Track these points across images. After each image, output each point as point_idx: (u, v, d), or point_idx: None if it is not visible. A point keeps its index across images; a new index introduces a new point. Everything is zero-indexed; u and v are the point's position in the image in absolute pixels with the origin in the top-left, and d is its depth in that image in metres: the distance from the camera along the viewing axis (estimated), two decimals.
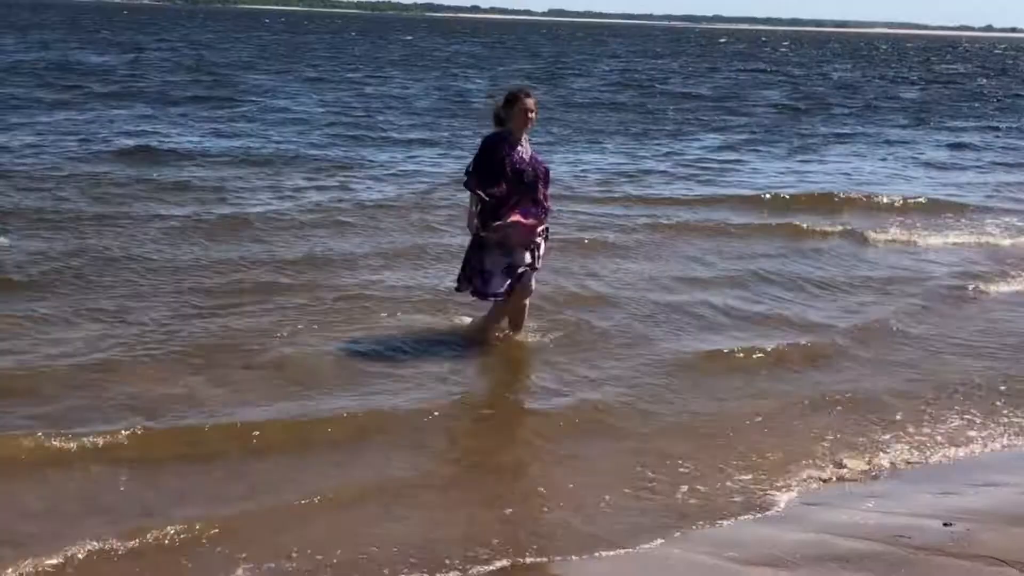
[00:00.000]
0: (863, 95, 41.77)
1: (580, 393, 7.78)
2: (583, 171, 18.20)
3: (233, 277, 10.27)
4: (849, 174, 19.82)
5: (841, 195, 16.87)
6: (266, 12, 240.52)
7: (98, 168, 15.85)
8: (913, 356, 9.10)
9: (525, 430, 7.36)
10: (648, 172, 18.70)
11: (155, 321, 8.71)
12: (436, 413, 7.24)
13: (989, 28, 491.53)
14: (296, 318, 9.11)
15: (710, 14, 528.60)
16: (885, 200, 16.57)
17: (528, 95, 8.47)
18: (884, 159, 22.31)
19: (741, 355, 8.77)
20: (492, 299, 8.62)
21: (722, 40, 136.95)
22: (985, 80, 57.14)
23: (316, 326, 8.87)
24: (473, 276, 8.57)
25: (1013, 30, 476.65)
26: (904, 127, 29.34)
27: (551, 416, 7.39)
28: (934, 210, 16.22)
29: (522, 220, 8.40)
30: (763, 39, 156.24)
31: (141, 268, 10.34)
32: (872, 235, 14.04)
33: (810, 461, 6.82)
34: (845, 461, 6.83)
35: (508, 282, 8.49)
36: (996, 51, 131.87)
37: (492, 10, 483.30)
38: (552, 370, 8.25)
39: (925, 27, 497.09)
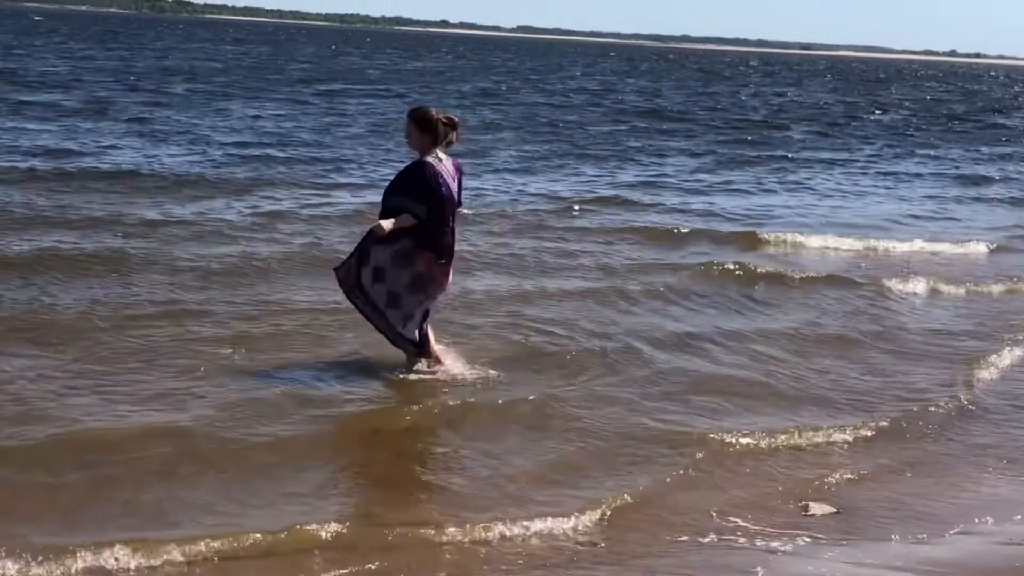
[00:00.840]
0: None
1: None
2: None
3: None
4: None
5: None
6: (232, 23, 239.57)
7: None
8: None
9: None
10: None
11: None
12: None
13: (953, 53, 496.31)
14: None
15: (678, 34, 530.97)
16: None
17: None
18: None
19: None
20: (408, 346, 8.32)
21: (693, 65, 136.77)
22: None
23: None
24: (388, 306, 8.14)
25: (977, 55, 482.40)
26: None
27: None
28: None
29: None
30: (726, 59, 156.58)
31: None
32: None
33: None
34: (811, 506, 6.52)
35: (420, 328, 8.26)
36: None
37: (461, 25, 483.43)
38: None
39: (891, 51, 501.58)
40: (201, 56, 61.33)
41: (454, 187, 8.14)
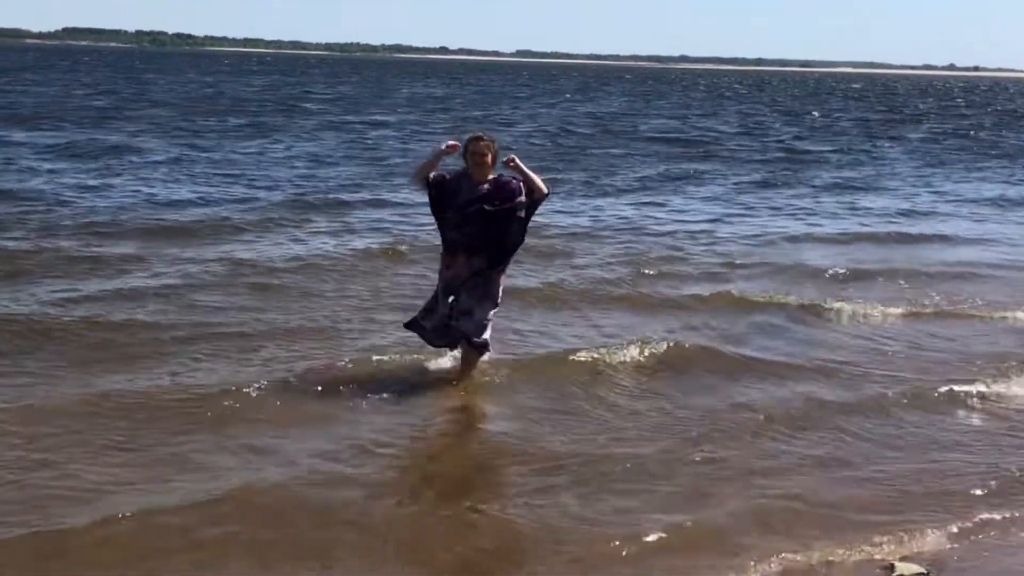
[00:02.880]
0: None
1: None
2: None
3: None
4: None
5: None
6: (231, 54, 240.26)
7: None
8: None
9: None
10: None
11: None
12: None
13: (952, 67, 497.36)
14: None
15: (676, 54, 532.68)
16: None
17: (478, 139, 8.68)
18: None
19: None
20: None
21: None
22: None
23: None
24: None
25: (976, 68, 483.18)
26: None
27: None
28: None
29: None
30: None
31: None
32: None
33: None
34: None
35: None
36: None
37: (461, 51, 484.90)
38: None
39: (889, 66, 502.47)
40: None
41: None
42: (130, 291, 11.38)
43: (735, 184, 24.51)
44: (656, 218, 18.71)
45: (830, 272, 14.32)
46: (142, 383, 8.34)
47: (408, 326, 9.00)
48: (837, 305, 12.34)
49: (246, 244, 14.59)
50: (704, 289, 12.97)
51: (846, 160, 31.58)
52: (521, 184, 8.56)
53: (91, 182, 19.78)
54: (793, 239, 17.16)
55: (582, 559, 5.85)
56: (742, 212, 20.02)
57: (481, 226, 8.45)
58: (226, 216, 16.54)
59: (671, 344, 10.16)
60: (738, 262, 14.90)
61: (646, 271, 13.88)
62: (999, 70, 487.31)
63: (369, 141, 32.04)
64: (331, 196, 19.41)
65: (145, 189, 19.32)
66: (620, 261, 14.48)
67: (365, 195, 19.87)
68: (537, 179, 8.57)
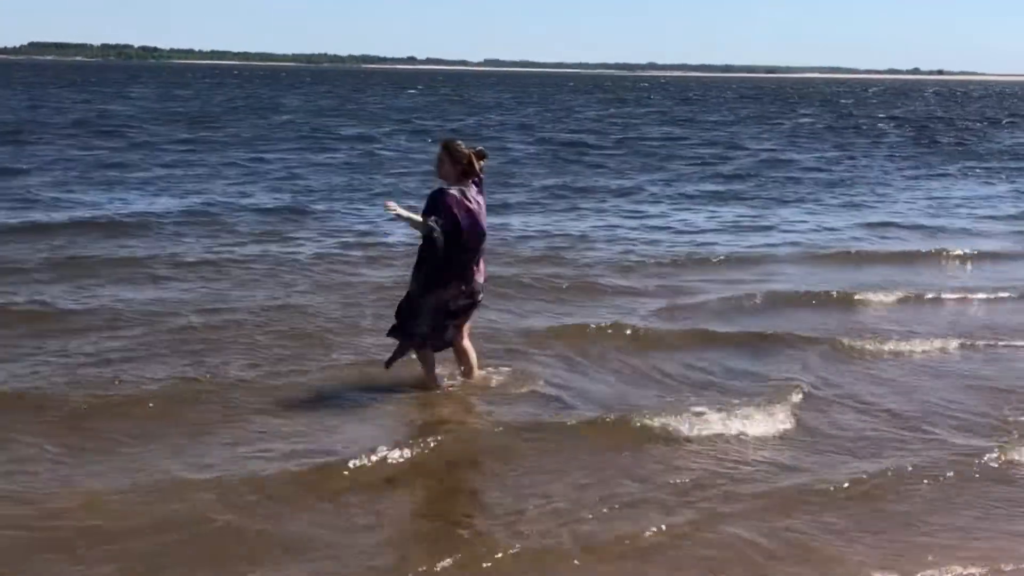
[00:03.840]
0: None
1: None
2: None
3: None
4: None
5: None
6: (197, 67, 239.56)
7: None
8: None
9: None
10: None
11: None
12: None
13: (916, 71, 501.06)
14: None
15: (644, 62, 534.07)
16: None
17: (445, 147, 8.40)
18: None
19: None
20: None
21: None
22: None
23: None
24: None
25: (940, 72, 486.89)
26: None
27: None
28: None
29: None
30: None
31: None
32: None
33: None
34: None
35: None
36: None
37: (429, 60, 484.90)
38: None
39: (855, 71, 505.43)
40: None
41: (482, 218, 8.32)
42: None
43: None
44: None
45: None
46: None
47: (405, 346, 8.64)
48: None
49: None
50: None
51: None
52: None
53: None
54: None
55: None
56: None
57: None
58: None
59: None
60: None
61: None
62: (963, 73, 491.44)
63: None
64: None
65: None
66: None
67: None
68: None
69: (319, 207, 18.69)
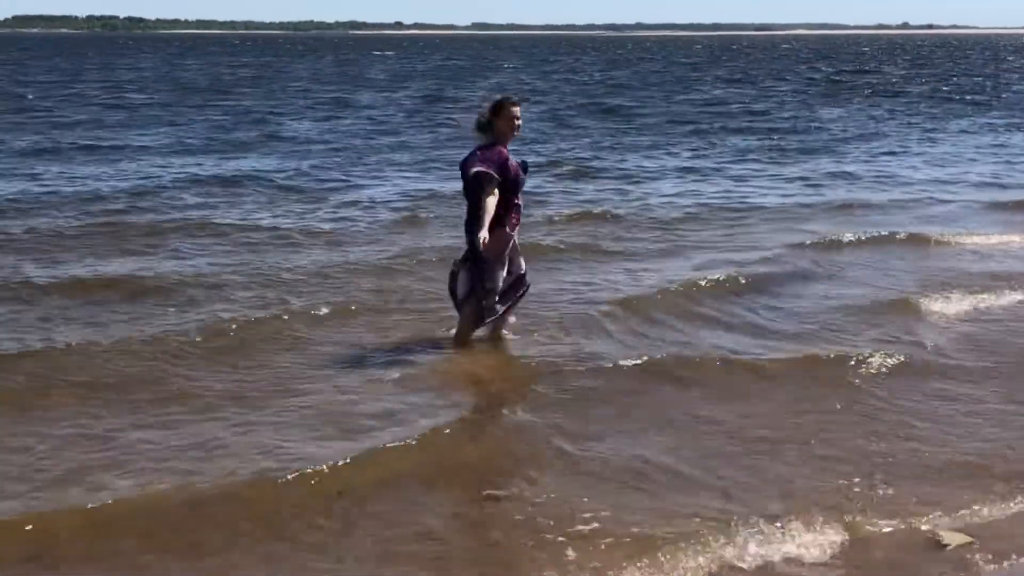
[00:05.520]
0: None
1: None
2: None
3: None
4: None
5: None
6: (181, 36, 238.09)
7: None
8: None
9: None
10: None
11: None
12: None
13: (906, 25, 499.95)
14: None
15: (632, 22, 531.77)
16: None
17: (515, 103, 8.13)
18: None
19: None
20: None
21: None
22: None
23: None
24: (487, 296, 8.21)
25: (930, 27, 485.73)
26: None
27: None
28: None
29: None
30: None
31: None
32: None
33: None
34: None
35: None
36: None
37: (416, 25, 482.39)
38: None
39: (844, 27, 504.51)
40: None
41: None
42: None
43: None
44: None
45: None
46: None
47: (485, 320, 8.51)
48: None
49: None
50: None
51: None
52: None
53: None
54: None
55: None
56: None
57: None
58: None
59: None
60: None
61: None
62: (953, 27, 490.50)
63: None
64: None
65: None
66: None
67: None
68: None
69: None
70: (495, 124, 8.03)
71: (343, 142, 24.07)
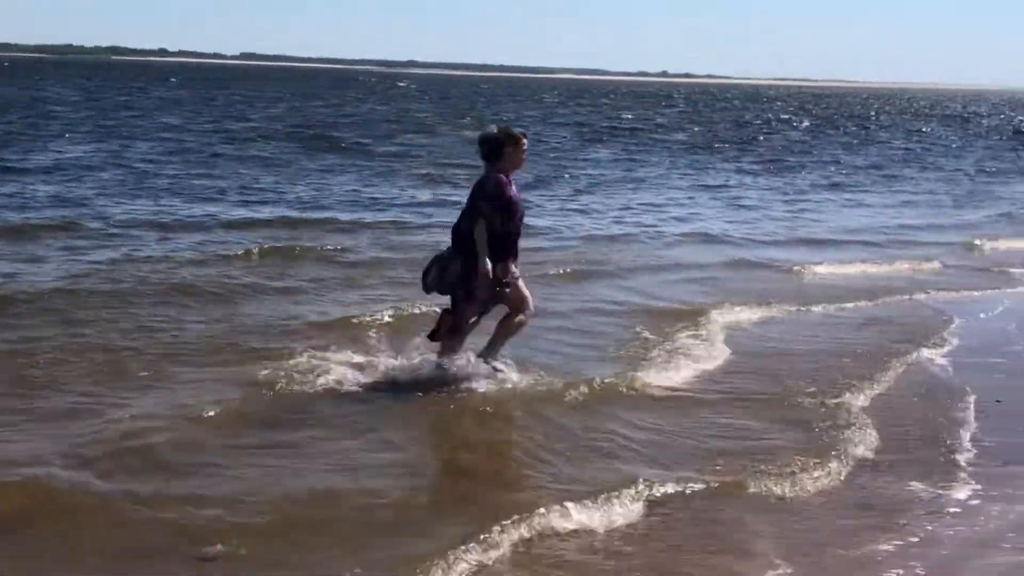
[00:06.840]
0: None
1: None
2: None
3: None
4: None
5: None
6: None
7: None
8: None
9: None
10: None
11: None
12: None
13: (664, 74, 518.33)
14: None
15: (404, 59, 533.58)
16: None
17: (525, 136, 8.76)
18: None
19: None
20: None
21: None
22: None
23: None
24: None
25: (687, 75, 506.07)
26: None
27: None
28: None
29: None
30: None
31: None
32: None
33: None
34: None
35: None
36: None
37: (181, 52, 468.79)
38: None
39: (607, 72, 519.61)
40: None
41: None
42: None
43: None
44: None
45: None
46: None
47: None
48: None
49: None
50: None
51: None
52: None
53: None
54: None
55: None
56: None
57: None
58: None
59: None
60: None
61: None
62: (709, 76, 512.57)
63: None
64: None
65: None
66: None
67: None
68: None
69: None
70: (508, 155, 8.59)
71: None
